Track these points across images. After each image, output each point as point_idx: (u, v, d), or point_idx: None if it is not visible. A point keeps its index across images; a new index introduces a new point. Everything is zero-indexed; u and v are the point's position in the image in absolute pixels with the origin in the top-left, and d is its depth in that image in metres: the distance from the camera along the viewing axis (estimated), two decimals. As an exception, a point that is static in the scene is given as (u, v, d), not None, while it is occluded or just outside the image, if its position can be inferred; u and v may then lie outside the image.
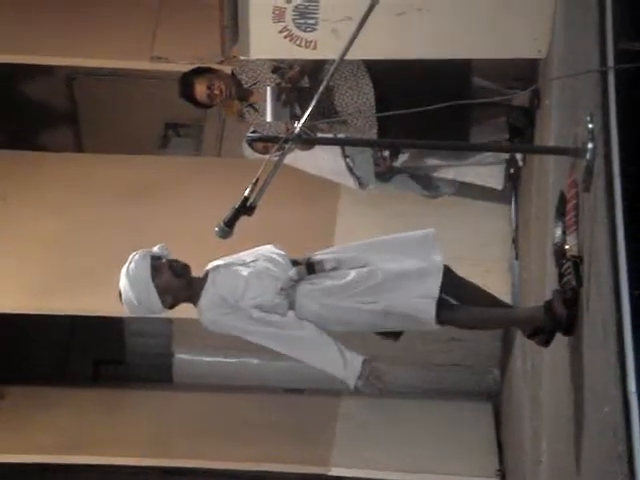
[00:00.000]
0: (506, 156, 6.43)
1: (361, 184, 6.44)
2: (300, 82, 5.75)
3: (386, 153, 6.29)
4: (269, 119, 5.64)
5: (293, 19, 5.44)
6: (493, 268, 6.39)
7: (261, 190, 3.82)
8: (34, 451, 6.99)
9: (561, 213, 4.19)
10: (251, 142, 6.00)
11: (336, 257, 4.17)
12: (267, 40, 5.51)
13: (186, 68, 6.01)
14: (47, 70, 7.87)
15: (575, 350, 3.97)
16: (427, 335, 7.00)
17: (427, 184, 6.50)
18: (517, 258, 6.43)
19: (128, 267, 4.12)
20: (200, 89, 5.79)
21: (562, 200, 4.21)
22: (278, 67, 5.78)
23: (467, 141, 5.88)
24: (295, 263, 4.19)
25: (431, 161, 6.43)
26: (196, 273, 4.24)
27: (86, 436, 7.16)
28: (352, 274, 4.10)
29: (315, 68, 5.74)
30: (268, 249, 4.27)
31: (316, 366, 4.12)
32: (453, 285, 4.15)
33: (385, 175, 6.39)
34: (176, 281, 4.14)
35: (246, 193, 3.84)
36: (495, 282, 6.28)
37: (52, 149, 7.95)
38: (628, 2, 3.68)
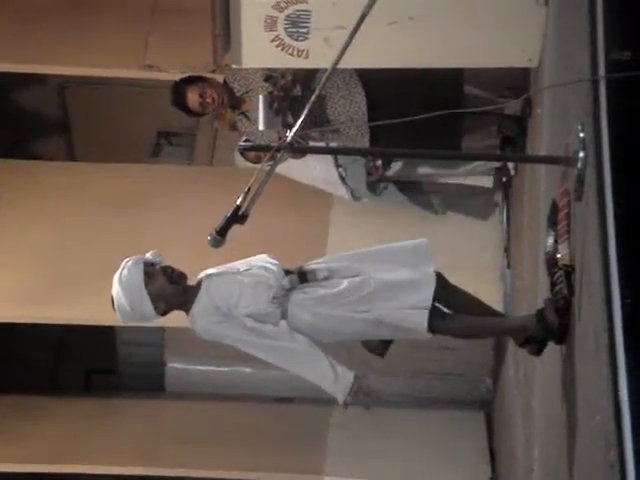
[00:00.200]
0: (498, 164, 6.44)
1: (354, 196, 6.44)
2: (292, 91, 5.75)
3: (378, 162, 6.29)
4: (261, 127, 5.65)
5: (285, 28, 5.45)
6: (485, 277, 6.39)
7: (253, 199, 3.82)
8: (25, 460, 6.97)
9: (553, 222, 4.20)
10: (243, 151, 6.01)
11: (328, 266, 4.17)
12: (259, 49, 5.51)
13: (178, 77, 6.02)
14: (39, 79, 7.87)
15: (567, 359, 3.97)
16: (419, 344, 6.99)
17: (419, 200, 6.49)
18: (509, 267, 6.44)
19: (121, 273, 4.12)
20: (192, 97, 5.80)
21: (554, 209, 4.21)
22: (270, 75, 5.79)
23: (459, 150, 5.89)
24: (288, 272, 4.19)
25: (423, 170, 6.44)
26: (189, 282, 4.23)
27: (78, 445, 7.14)
28: (344, 283, 4.10)
29: (307, 77, 5.75)
30: (262, 258, 4.27)
31: (307, 379, 4.12)
32: (445, 293, 4.16)
33: (377, 188, 6.38)
34: (170, 288, 4.13)
35: (238, 202, 3.84)
36: (487, 291, 6.27)
37: (44, 158, 7.95)
38: (619, 12, 3.68)
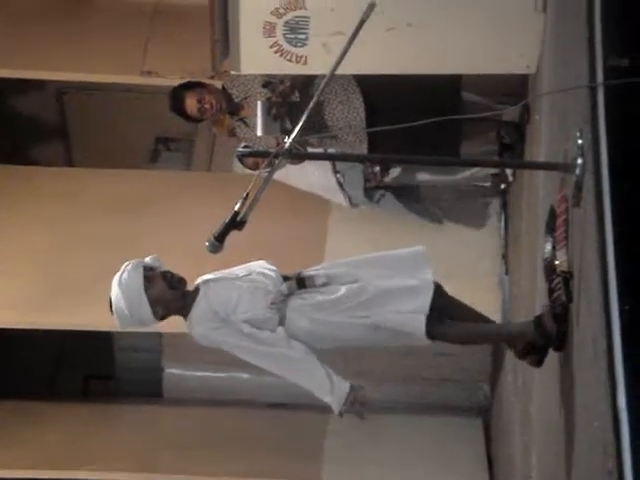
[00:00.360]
0: (496, 171, 6.45)
1: (352, 203, 6.44)
2: (291, 97, 5.76)
3: (377, 168, 6.29)
4: (259, 133, 5.65)
5: (284, 34, 5.45)
6: (483, 283, 6.39)
7: (251, 205, 3.82)
8: (23, 466, 6.96)
9: (551, 228, 4.20)
10: (241, 157, 6.00)
11: (327, 273, 4.17)
12: (258, 55, 5.51)
13: (176, 82, 6.02)
14: (37, 84, 7.87)
15: (565, 365, 3.97)
16: (416, 350, 6.99)
17: (416, 209, 6.48)
18: (507, 273, 6.44)
19: (120, 276, 4.11)
20: (190, 103, 5.80)
21: (552, 215, 4.21)
22: (269, 81, 5.79)
23: (458, 156, 5.89)
24: (286, 278, 4.19)
25: (421, 176, 6.44)
26: (188, 287, 4.23)
27: (76, 451, 7.14)
28: (343, 289, 4.10)
29: (306, 83, 5.75)
30: (260, 264, 4.27)
31: (302, 386, 4.12)
32: (443, 303, 4.15)
33: (374, 195, 6.38)
34: (169, 293, 4.13)
35: (236, 208, 3.84)
36: (485, 297, 6.28)
37: (42, 163, 7.95)
38: (617, 19, 3.69)
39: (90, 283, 6.08)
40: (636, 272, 3.17)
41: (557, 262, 4.03)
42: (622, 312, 3.11)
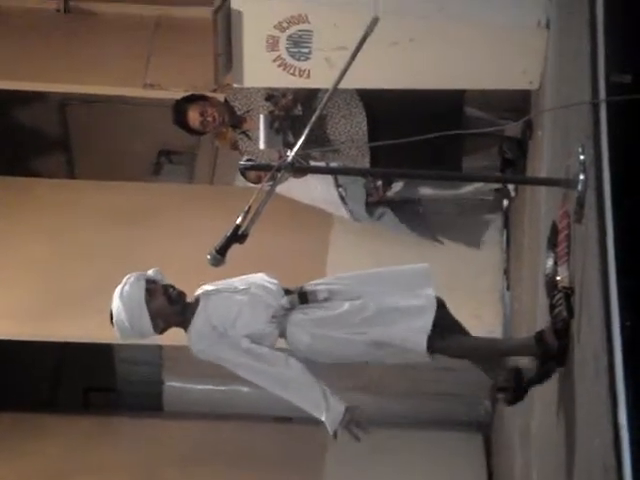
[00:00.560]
0: (498, 186, 6.45)
1: (354, 217, 6.43)
2: (293, 110, 5.76)
3: (379, 182, 6.29)
4: (262, 147, 5.66)
5: (287, 48, 5.46)
6: (485, 299, 6.39)
7: (253, 218, 3.82)
8: (24, 479, 6.95)
9: (553, 244, 4.19)
10: (244, 171, 6.01)
11: (329, 288, 4.16)
12: (261, 68, 5.53)
13: (179, 95, 6.03)
14: (40, 96, 7.88)
15: (566, 381, 3.96)
16: (417, 364, 6.98)
17: (417, 228, 6.47)
18: (508, 289, 6.43)
19: (122, 289, 4.11)
20: (193, 116, 5.81)
21: (554, 231, 4.21)
22: (271, 95, 5.80)
23: (460, 171, 5.89)
24: (288, 292, 4.18)
25: (424, 191, 6.44)
26: (189, 300, 4.22)
27: (76, 464, 7.12)
28: (345, 305, 4.09)
29: (308, 96, 5.76)
30: (260, 277, 4.26)
31: (299, 406, 4.11)
32: (445, 319, 4.14)
33: (374, 212, 6.38)
34: (169, 307, 4.13)
35: (238, 221, 3.84)
36: (487, 312, 6.29)
37: (44, 175, 7.95)
38: (620, 35, 3.70)
39: (91, 295, 6.08)
40: (637, 288, 3.17)
41: (558, 278, 4.03)
42: (623, 328, 3.10)
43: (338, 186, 6.29)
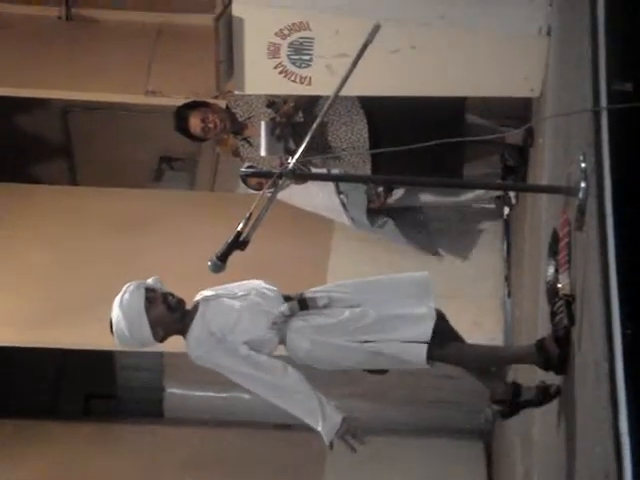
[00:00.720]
0: (499, 193, 6.46)
1: (355, 225, 6.43)
2: (294, 117, 5.77)
3: (380, 189, 6.30)
4: (263, 153, 5.66)
5: (288, 55, 5.47)
6: (486, 305, 6.39)
7: (254, 225, 3.82)
8: (24, 486, 6.96)
9: (554, 251, 4.19)
10: (245, 177, 6.01)
11: (330, 295, 4.15)
12: (262, 76, 5.53)
13: (181, 102, 6.03)
14: (42, 103, 7.89)
15: (567, 389, 3.96)
16: (418, 372, 6.98)
17: (417, 238, 6.46)
18: (509, 296, 6.43)
19: (122, 297, 4.10)
20: (195, 122, 5.81)
21: (555, 238, 4.21)
22: (273, 102, 5.81)
23: (461, 178, 5.89)
24: (288, 299, 4.18)
25: (425, 198, 6.44)
26: (188, 306, 4.22)
27: (77, 471, 7.12)
28: (345, 313, 4.08)
29: (309, 103, 5.77)
30: (259, 284, 4.25)
31: (296, 415, 4.10)
32: (444, 327, 4.13)
33: (375, 221, 6.37)
34: (169, 315, 4.12)
35: (239, 228, 3.84)
36: (487, 319, 6.28)
37: (46, 181, 7.96)
38: (621, 43, 3.70)
39: (92, 302, 6.07)
40: (638, 296, 3.17)
41: (559, 285, 4.03)
42: (624, 336, 3.10)
43: (339, 193, 6.29)
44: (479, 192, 6.42)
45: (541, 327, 4.57)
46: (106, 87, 6.94)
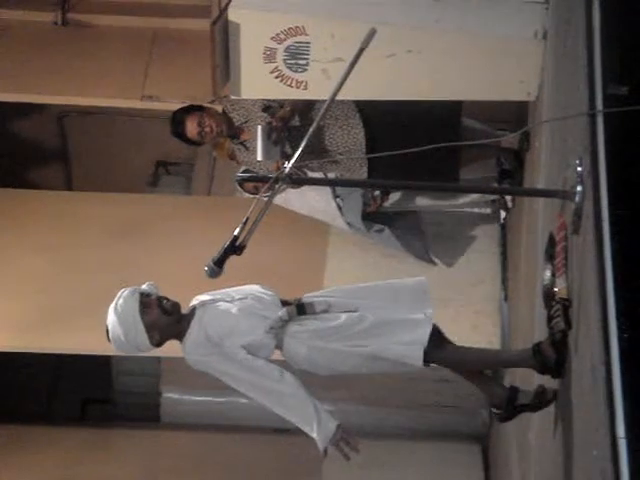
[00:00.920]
0: (495, 197, 6.45)
1: (351, 229, 6.43)
2: (291, 121, 5.77)
3: (376, 192, 6.30)
4: (260, 158, 5.66)
5: (284, 60, 5.47)
6: (482, 309, 6.39)
7: (251, 230, 3.81)
8: (20, 491, 6.95)
9: (550, 255, 4.19)
10: (241, 182, 6.01)
11: (327, 300, 4.15)
12: (258, 80, 5.53)
13: (177, 107, 6.03)
14: (38, 108, 7.89)
15: (564, 392, 3.96)
16: (416, 376, 6.98)
17: (413, 246, 6.46)
18: (506, 299, 6.43)
19: (117, 303, 4.10)
20: (191, 127, 5.81)
21: (551, 242, 4.21)
22: (269, 106, 5.81)
23: (457, 182, 5.89)
24: (285, 303, 4.17)
25: (421, 201, 6.44)
26: (184, 310, 4.21)
27: (73, 475, 7.11)
28: (342, 318, 4.08)
29: (306, 107, 5.77)
30: (256, 288, 4.25)
31: (290, 421, 4.09)
32: (441, 331, 4.13)
33: (371, 227, 6.37)
34: (165, 319, 4.11)
35: (236, 232, 3.84)
36: (485, 323, 6.28)
37: (42, 186, 7.96)
38: (616, 47, 3.70)
39: (88, 306, 6.07)
40: (635, 300, 3.17)
41: (556, 289, 4.02)
42: (621, 340, 3.10)
43: (336, 197, 6.29)
44: (475, 196, 6.42)
45: (538, 331, 4.57)
46: (102, 92, 6.94)
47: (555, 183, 4.33)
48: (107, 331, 4.13)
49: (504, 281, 6.53)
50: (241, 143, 5.91)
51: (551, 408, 4.16)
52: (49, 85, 6.95)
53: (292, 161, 3.87)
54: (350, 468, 6.90)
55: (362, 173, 5.90)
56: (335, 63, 5.31)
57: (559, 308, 3.94)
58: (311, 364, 4.10)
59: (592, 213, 3.51)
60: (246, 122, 5.87)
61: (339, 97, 3.97)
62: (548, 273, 4.15)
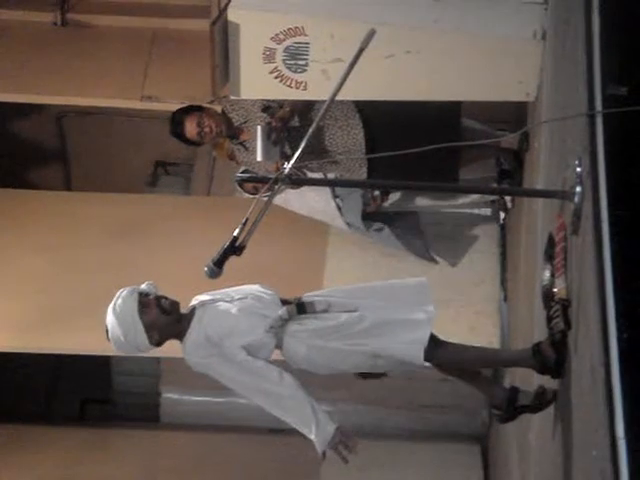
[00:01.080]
0: (495, 197, 6.46)
1: (351, 229, 6.43)
2: (290, 121, 5.77)
3: (376, 192, 6.30)
4: (259, 158, 5.66)
5: (284, 60, 5.47)
6: (482, 309, 6.39)
7: (250, 230, 3.81)
8: (19, 491, 6.95)
9: (549, 255, 4.19)
10: (241, 182, 6.01)
11: (328, 299, 4.15)
12: (257, 80, 5.54)
13: (176, 107, 6.03)
14: (37, 108, 7.89)
15: (563, 393, 3.96)
16: (416, 376, 6.98)
17: (413, 244, 6.46)
18: (506, 300, 6.44)
19: (115, 303, 4.10)
20: (190, 127, 5.81)
21: (551, 242, 4.21)
22: (268, 106, 5.81)
23: (456, 182, 5.90)
24: (285, 303, 4.17)
25: (421, 201, 6.45)
26: (184, 310, 4.21)
27: (72, 476, 7.11)
28: (342, 317, 4.08)
29: (305, 107, 5.77)
30: (255, 288, 4.24)
31: (288, 423, 4.09)
32: (436, 344, 4.13)
33: (371, 226, 6.37)
34: (163, 318, 4.11)
35: (235, 233, 3.84)
36: (484, 323, 6.28)
37: (41, 187, 7.96)
38: (616, 47, 3.70)
39: (88, 307, 6.06)
40: (634, 300, 3.17)
41: (555, 289, 4.03)
42: (620, 340, 3.10)
43: (335, 197, 6.30)
44: (475, 196, 6.43)
45: (537, 331, 4.57)
46: (102, 92, 6.95)
47: (554, 184, 4.33)
48: (107, 331, 4.13)
49: (503, 281, 6.54)
50: (240, 143, 5.91)
51: (551, 409, 4.16)
52: (48, 85, 6.95)
53: (292, 161, 3.87)
54: (348, 468, 6.91)
55: (362, 173, 5.90)
56: (334, 63, 5.31)
57: (558, 308, 3.94)
58: (310, 363, 4.10)
59: (591, 214, 3.51)
60: (245, 122, 5.87)
61: (339, 97, 3.97)
62: (547, 273, 4.16)
